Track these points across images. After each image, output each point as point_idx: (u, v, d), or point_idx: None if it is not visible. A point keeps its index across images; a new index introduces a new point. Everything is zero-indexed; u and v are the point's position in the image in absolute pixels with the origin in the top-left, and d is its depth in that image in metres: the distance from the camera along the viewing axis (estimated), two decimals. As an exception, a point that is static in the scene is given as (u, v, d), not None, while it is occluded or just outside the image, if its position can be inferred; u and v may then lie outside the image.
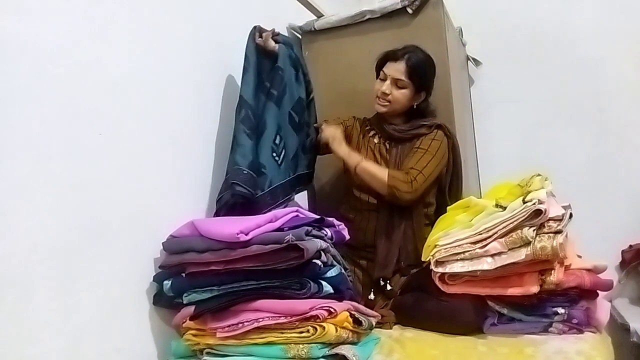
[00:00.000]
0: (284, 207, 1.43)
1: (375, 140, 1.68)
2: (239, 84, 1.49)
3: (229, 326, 1.11)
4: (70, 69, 1.05)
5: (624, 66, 2.25)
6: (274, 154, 1.47)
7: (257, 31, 1.50)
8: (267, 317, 1.10)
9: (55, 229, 0.99)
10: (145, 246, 1.21)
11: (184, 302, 1.17)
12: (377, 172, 1.52)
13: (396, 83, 1.59)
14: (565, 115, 2.35)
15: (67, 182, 1.02)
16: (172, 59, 1.36)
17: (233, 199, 1.35)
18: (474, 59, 2.43)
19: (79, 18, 1.09)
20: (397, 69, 1.58)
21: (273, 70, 1.50)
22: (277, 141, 1.48)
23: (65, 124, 1.03)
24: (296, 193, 1.59)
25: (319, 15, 1.91)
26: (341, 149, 1.57)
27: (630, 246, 2.16)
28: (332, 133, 1.58)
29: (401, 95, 1.60)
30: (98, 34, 1.13)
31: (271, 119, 1.47)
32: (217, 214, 1.39)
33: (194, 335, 1.16)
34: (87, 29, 1.10)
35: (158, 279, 1.21)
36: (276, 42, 1.51)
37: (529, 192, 1.22)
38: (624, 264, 2.17)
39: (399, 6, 1.76)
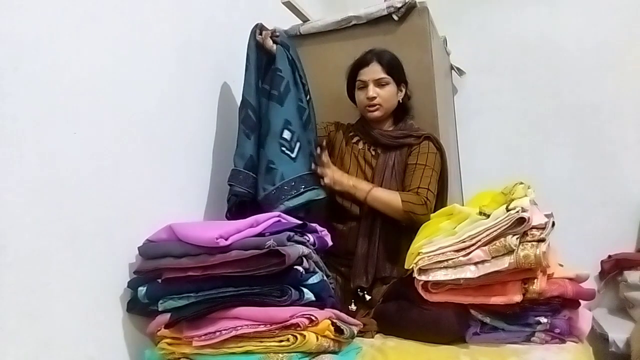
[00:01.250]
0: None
1: (360, 146, 1.67)
2: (224, 84, 1.47)
3: (205, 335, 1.08)
4: (46, 65, 1.01)
5: (605, 79, 2.30)
6: (284, 148, 1.45)
7: (259, 29, 1.51)
8: (246, 325, 1.07)
9: (25, 231, 0.95)
10: (120, 250, 1.17)
11: (160, 309, 1.13)
12: (389, 199, 1.50)
13: (379, 83, 1.59)
14: (546, 126, 2.38)
15: (39, 182, 0.98)
16: (154, 58, 1.33)
17: (238, 199, 1.42)
18: (457, 68, 2.44)
19: (59, 12, 1.05)
20: (373, 70, 1.59)
21: (271, 72, 1.48)
22: (285, 135, 1.45)
23: (38, 122, 0.99)
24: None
25: (305, 20, 1.89)
26: (345, 185, 1.53)
27: (609, 256, 2.18)
28: (331, 178, 1.53)
29: (388, 94, 1.60)
30: (77, 30, 1.10)
31: (275, 117, 1.46)
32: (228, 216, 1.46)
33: (169, 344, 1.12)
34: (66, 24, 1.07)
35: (133, 285, 1.16)
36: (274, 42, 1.50)
37: (513, 199, 1.22)
38: (603, 274, 2.20)
39: (385, 13, 1.76)
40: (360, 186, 1.53)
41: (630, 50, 2.27)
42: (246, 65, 1.49)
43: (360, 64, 1.62)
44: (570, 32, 2.35)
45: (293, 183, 1.44)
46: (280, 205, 1.41)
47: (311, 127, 1.55)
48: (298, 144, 1.47)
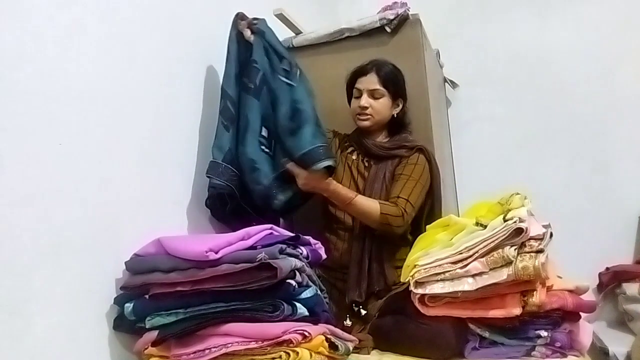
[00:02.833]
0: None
1: (354, 157, 1.66)
2: (215, 93, 1.46)
3: (194, 352, 1.04)
4: (31, 74, 0.99)
5: (597, 88, 2.30)
6: (263, 147, 1.44)
7: (239, 18, 1.51)
8: (237, 342, 1.03)
9: (7, 245, 0.91)
10: (106, 265, 1.13)
11: (147, 326, 1.09)
12: (368, 208, 1.47)
13: (373, 94, 1.58)
14: (540, 138, 2.38)
15: (21, 194, 0.95)
16: (142, 69, 1.31)
17: (216, 191, 1.40)
18: (451, 81, 2.45)
19: (44, 21, 1.03)
20: (369, 81, 1.59)
21: (249, 64, 1.48)
22: (264, 133, 1.45)
23: (22, 132, 0.96)
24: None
25: (297, 32, 1.89)
26: (324, 189, 1.47)
27: (607, 268, 2.15)
28: (307, 179, 1.44)
29: (380, 106, 1.59)
30: (64, 39, 1.07)
31: (253, 113, 1.45)
32: (214, 215, 1.47)
33: (157, 363, 1.08)
34: (52, 34, 1.05)
35: (119, 302, 1.12)
36: (252, 32, 1.50)
37: (510, 210, 1.20)
38: (601, 287, 2.17)
39: (378, 25, 1.76)
40: (342, 192, 1.49)
41: (621, 61, 2.29)
42: (227, 57, 1.49)
43: (359, 72, 1.63)
44: (562, 45, 2.36)
45: (277, 179, 1.44)
46: (275, 201, 1.42)
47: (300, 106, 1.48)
48: (273, 140, 1.47)
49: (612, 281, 2.12)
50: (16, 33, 0.97)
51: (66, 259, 1.02)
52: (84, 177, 1.09)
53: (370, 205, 1.48)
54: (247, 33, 1.49)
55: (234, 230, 1.14)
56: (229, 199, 1.44)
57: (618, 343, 1.86)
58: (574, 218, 2.20)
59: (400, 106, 1.64)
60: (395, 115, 1.64)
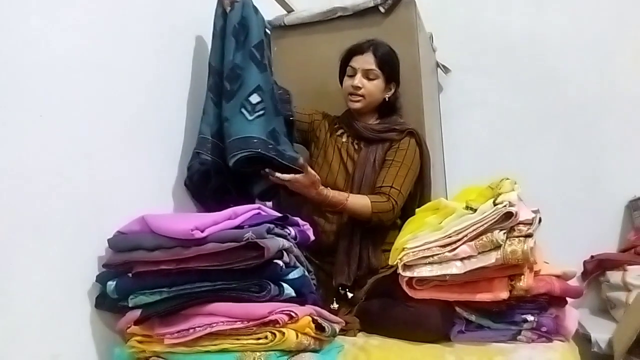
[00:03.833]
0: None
1: (343, 139, 1.63)
2: (203, 73, 1.43)
3: (178, 332, 1.02)
4: (13, 44, 0.95)
5: (590, 78, 2.29)
6: (243, 109, 1.37)
7: None
8: (222, 321, 1.02)
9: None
10: (89, 242, 1.10)
11: (130, 305, 1.07)
12: (360, 209, 1.45)
13: (367, 75, 1.55)
14: (531, 125, 2.37)
15: (0, 169, 0.91)
16: (131, 43, 1.28)
17: (203, 167, 1.37)
18: (443, 65, 2.42)
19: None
20: (365, 61, 1.55)
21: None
22: (251, 99, 1.38)
23: (1, 102, 0.92)
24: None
25: (289, 10, 1.85)
26: (318, 197, 1.43)
27: (592, 257, 2.17)
28: (298, 181, 1.38)
29: (374, 87, 1.56)
30: (48, 9, 1.03)
31: (252, 76, 1.40)
32: (190, 189, 1.44)
33: (140, 342, 1.06)
34: (36, 4, 1.00)
35: (101, 280, 1.10)
36: (231, 9, 1.46)
37: (500, 194, 1.19)
38: (585, 275, 2.18)
39: (372, 4, 1.73)
40: (333, 198, 1.44)
41: (616, 49, 2.27)
42: (212, 33, 1.46)
43: (355, 50, 1.58)
44: (556, 31, 2.34)
45: (237, 141, 1.34)
46: (230, 160, 1.33)
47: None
48: (262, 112, 1.39)
49: (596, 269, 2.14)
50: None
51: (47, 236, 1.00)
52: (67, 150, 1.06)
53: (362, 204, 1.45)
54: (227, 8, 1.46)
55: (213, 212, 1.12)
56: (215, 176, 1.40)
57: (600, 330, 1.88)
58: (562, 206, 2.20)
59: (393, 90, 1.62)
60: (387, 99, 1.61)
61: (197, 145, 1.40)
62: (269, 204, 1.62)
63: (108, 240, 1.11)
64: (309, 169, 1.39)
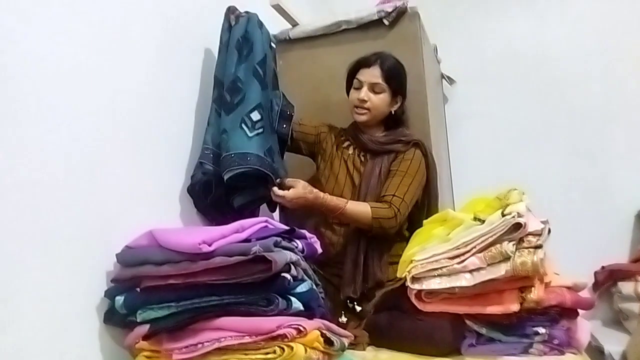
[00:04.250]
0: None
1: (350, 152, 1.64)
2: (207, 84, 1.45)
3: (186, 347, 1.01)
4: (18, 57, 0.96)
5: (596, 87, 2.29)
6: (244, 125, 1.38)
7: (231, 12, 1.50)
8: (230, 336, 1.00)
9: (-8, 235, 0.88)
10: (97, 257, 1.10)
11: (138, 320, 1.06)
12: (360, 215, 1.45)
13: (373, 88, 1.55)
14: (538, 134, 2.37)
15: (8, 183, 0.92)
16: (135, 55, 1.28)
17: (205, 177, 1.38)
18: (448, 77, 2.43)
19: (34, 2, 1.00)
20: (372, 74, 1.55)
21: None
22: (252, 116, 1.39)
23: (9, 118, 0.93)
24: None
25: (294, 23, 1.87)
26: (315, 201, 1.43)
27: (603, 267, 2.15)
28: (293, 195, 1.40)
29: (380, 101, 1.56)
30: (54, 22, 1.04)
31: (254, 93, 1.41)
32: (192, 197, 1.43)
33: (148, 357, 1.05)
34: (41, 16, 1.01)
35: (110, 295, 1.10)
36: (236, 22, 1.49)
37: (508, 205, 1.18)
38: (596, 286, 2.16)
39: (376, 17, 1.75)
40: (331, 203, 1.45)
41: (619, 58, 2.28)
42: (219, 47, 1.49)
43: (363, 63, 1.59)
44: (559, 41, 2.35)
45: (236, 156, 1.35)
46: (225, 174, 1.34)
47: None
48: (262, 130, 1.40)
49: (607, 280, 2.12)
50: (3, 15, 0.93)
51: (56, 251, 1.00)
52: (75, 165, 1.06)
53: (361, 211, 1.45)
54: (233, 22, 1.49)
55: (216, 222, 1.12)
56: (215, 187, 1.41)
57: (613, 342, 1.86)
58: (571, 216, 2.19)
59: (399, 103, 1.62)
60: (393, 112, 1.61)
61: (200, 156, 1.42)
62: (276, 216, 1.62)
63: (116, 255, 1.11)
64: (292, 181, 1.43)
